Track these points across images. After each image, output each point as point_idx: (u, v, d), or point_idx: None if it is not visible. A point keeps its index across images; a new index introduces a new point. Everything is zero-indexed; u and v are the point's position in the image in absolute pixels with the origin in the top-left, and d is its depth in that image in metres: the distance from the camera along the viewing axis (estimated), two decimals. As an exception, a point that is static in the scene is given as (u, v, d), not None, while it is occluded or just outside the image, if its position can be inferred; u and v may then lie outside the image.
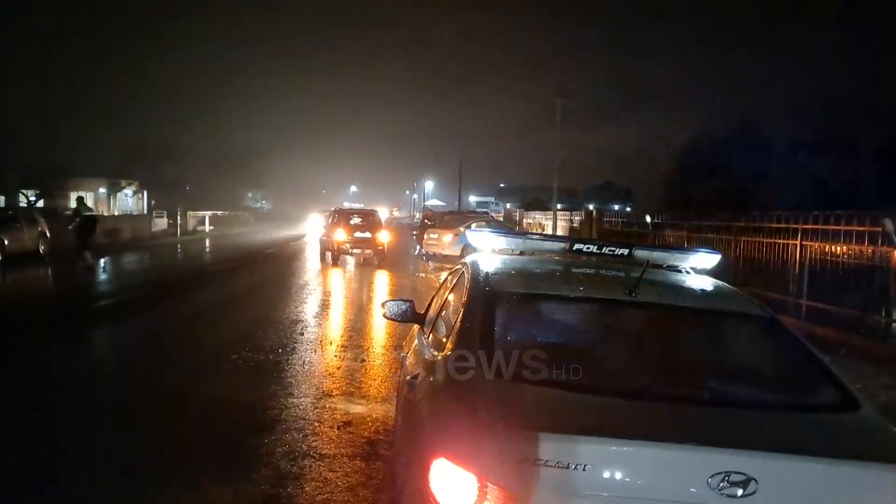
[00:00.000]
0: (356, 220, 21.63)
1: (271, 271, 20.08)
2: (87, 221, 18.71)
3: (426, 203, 72.94)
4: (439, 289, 4.65)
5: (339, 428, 5.81)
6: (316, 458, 5.10)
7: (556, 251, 4.14)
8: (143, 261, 22.68)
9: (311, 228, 41.63)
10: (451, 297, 3.90)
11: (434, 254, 24.09)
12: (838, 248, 11.31)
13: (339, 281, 17.74)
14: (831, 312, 11.14)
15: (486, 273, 3.47)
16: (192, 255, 25.61)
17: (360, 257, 22.12)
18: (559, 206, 32.30)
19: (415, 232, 26.73)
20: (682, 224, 17.29)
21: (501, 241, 4.20)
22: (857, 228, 10.70)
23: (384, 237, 21.79)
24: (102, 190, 48.85)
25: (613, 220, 24.73)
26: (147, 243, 28.90)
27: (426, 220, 27.19)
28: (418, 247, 26.01)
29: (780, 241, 12.74)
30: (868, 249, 10.52)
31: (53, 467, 4.87)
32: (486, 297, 3.17)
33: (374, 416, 6.13)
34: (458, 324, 3.10)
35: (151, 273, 19.92)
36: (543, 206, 44.90)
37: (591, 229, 25.19)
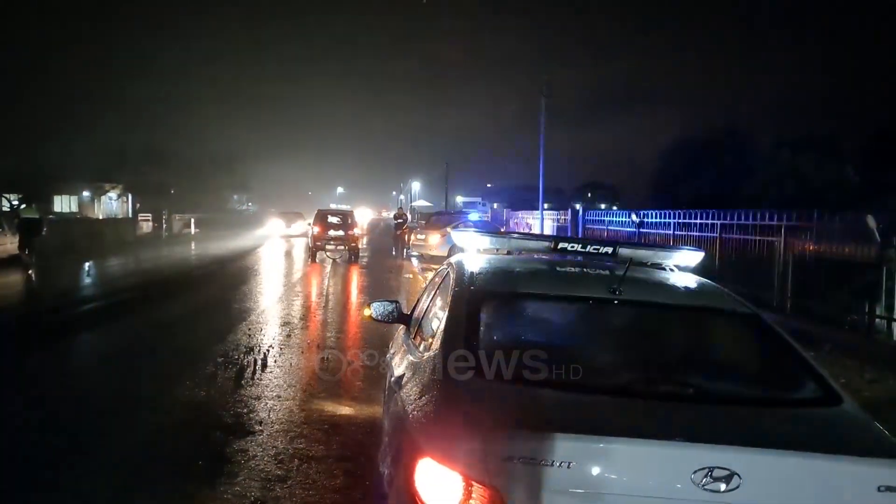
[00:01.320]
0: (333, 220, 23.71)
1: (254, 273, 19.98)
2: (28, 224, 18.57)
3: (413, 203, 72.84)
4: (425, 289, 4.65)
5: (326, 430, 5.80)
6: (303, 460, 5.09)
7: (540, 250, 4.15)
8: (125, 264, 22.48)
9: (273, 232, 39.25)
10: (436, 298, 3.90)
11: (421, 254, 24.23)
12: (822, 245, 11.41)
13: (322, 282, 17.69)
14: (816, 309, 11.24)
15: (471, 273, 3.47)
16: (177, 256, 25.39)
17: (341, 256, 23.45)
18: (546, 205, 32.38)
19: (401, 232, 26.52)
20: (668, 223, 17.39)
21: (486, 241, 4.20)
22: (840, 226, 10.80)
23: (358, 235, 24.25)
24: (86, 193, 48.50)
25: (599, 218, 24.84)
26: (131, 246, 28.66)
27: (397, 219, 27.23)
28: (394, 249, 25.81)
29: (765, 238, 12.84)
30: (851, 246, 10.62)
31: (38, 472, 4.82)
32: (470, 296, 3.17)
33: (361, 417, 6.12)
34: (442, 324, 3.11)
35: (134, 275, 19.74)
36: (530, 206, 44.99)
37: (577, 228, 25.31)
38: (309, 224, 24.92)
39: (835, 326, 10.41)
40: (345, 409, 6.37)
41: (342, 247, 23.25)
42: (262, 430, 5.71)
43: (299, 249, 28.54)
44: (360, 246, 24.41)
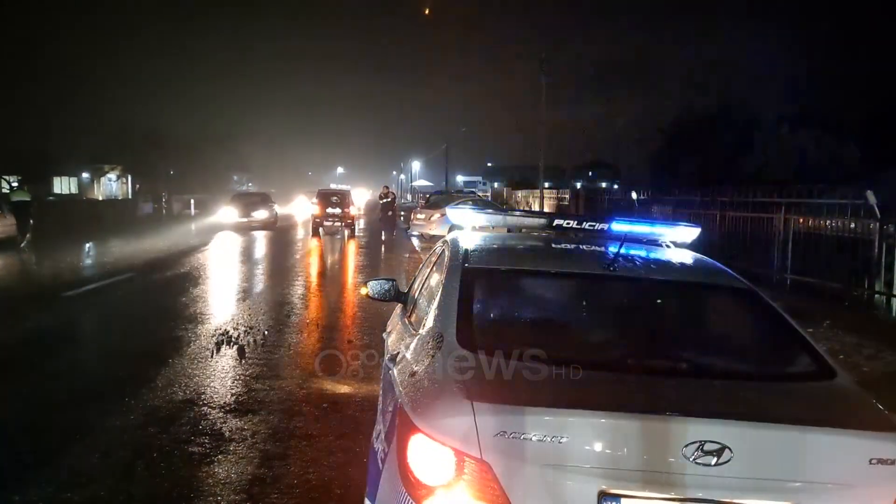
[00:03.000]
0: (331, 199, 26.57)
1: (253, 250, 20.00)
2: (18, 206, 18.54)
3: (413, 183, 72.74)
4: (421, 267, 4.64)
5: (324, 408, 5.82)
6: (301, 439, 5.11)
7: (536, 227, 4.14)
8: (125, 244, 22.47)
9: (224, 222, 29.37)
10: (431, 276, 3.89)
11: (421, 233, 24.29)
12: (822, 222, 11.39)
13: (319, 261, 17.69)
14: (815, 285, 11.24)
15: (466, 250, 3.45)
16: (175, 237, 25.40)
17: (338, 232, 26.32)
18: (546, 184, 32.31)
19: (391, 212, 25.83)
20: (668, 199, 17.36)
21: (482, 218, 4.19)
22: (840, 201, 10.77)
23: (353, 212, 27.34)
24: (86, 175, 48.35)
25: (601, 197, 24.84)
26: (130, 228, 28.64)
27: (383, 198, 26.40)
28: (383, 232, 25.22)
29: (764, 215, 12.81)
30: (851, 222, 10.59)
31: (31, 448, 4.84)
32: (464, 273, 3.16)
33: (359, 395, 6.14)
34: (436, 301, 3.10)
35: (131, 257, 19.74)
36: (531, 185, 44.93)
37: (578, 207, 25.31)
38: (276, 210, 27.73)
39: (834, 302, 10.41)
40: (343, 388, 6.39)
41: (339, 223, 26.06)
42: (261, 409, 5.74)
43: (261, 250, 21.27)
44: (356, 224, 26.87)
